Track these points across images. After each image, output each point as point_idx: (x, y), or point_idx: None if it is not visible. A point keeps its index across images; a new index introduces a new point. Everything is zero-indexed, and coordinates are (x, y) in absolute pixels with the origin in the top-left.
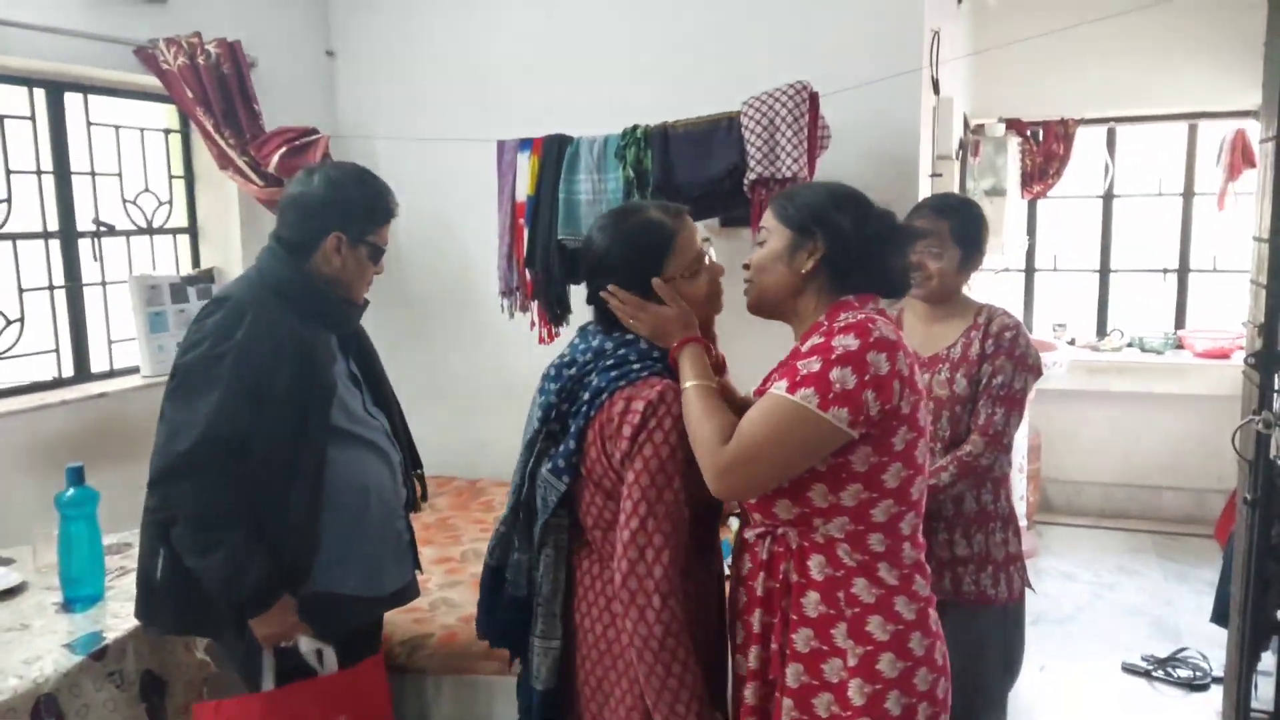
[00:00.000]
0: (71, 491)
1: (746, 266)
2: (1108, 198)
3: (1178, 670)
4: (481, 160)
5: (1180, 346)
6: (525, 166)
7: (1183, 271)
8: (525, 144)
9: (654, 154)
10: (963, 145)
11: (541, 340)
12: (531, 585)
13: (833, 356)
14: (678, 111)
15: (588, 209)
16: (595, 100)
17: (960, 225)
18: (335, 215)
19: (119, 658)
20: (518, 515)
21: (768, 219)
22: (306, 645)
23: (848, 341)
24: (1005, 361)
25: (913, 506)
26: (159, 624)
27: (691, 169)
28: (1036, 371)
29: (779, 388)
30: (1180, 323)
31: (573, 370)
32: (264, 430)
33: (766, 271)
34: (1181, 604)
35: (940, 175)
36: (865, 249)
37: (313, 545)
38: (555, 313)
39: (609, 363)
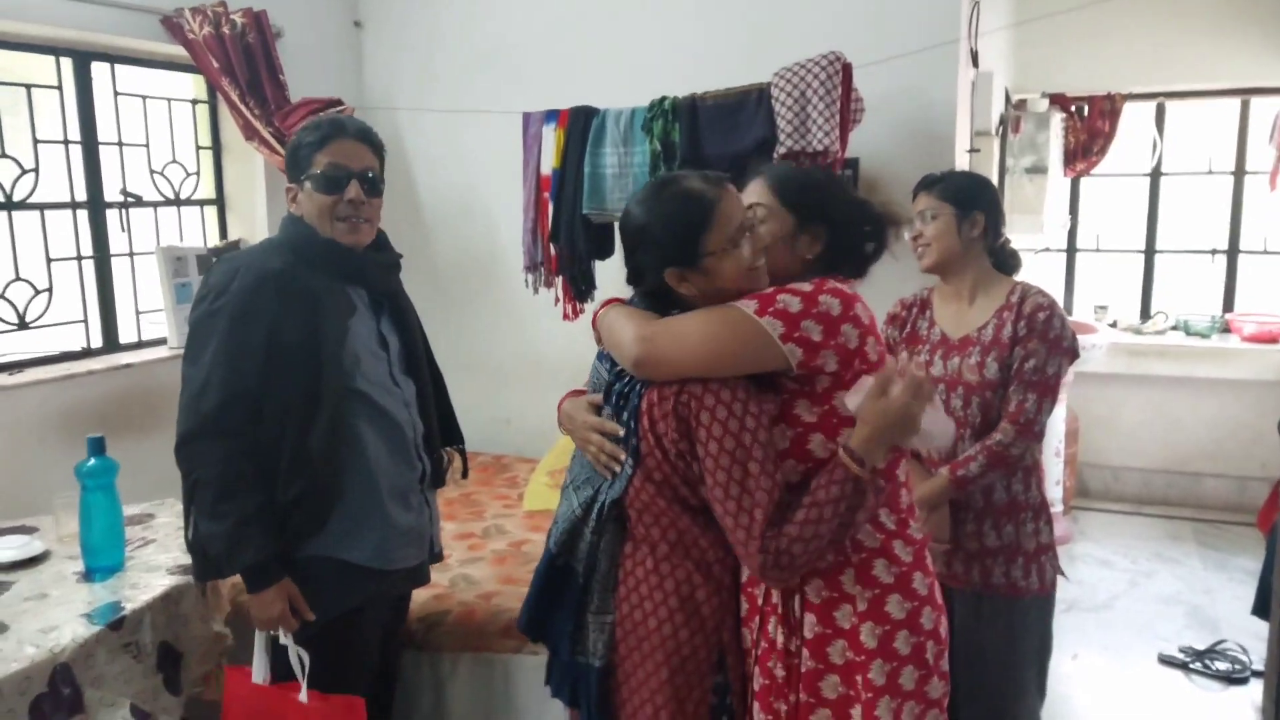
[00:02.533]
0: (92, 461)
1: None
2: (1155, 175)
3: (1216, 663)
4: (506, 133)
5: (1227, 330)
6: (550, 139)
7: (1232, 253)
8: (551, 116)
9: (681, 126)
10: (1003, 121)
11: (565, 316)
12: (594, 564)
13: (785, 289)
14: (706, 83)
15: (614, 183)
16: (622, 72)
17: (948, 186)
18: (287, 170)
19: (135, 629)
20: (598, 496)
21: (764, 203)
22: (292, 650)
23: (800, 286)
24: (1038, 345)
25: (903, 452)
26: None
27: (720, 141)
28: (1072, 355)
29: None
30: (1229, 305)
31: None
32: (276, 380)
33: (768, 254)
34: (1221, 594)
35: (978, 151)
36: (862, 234)
37: (325, 503)
38: (580, 288)
39: None
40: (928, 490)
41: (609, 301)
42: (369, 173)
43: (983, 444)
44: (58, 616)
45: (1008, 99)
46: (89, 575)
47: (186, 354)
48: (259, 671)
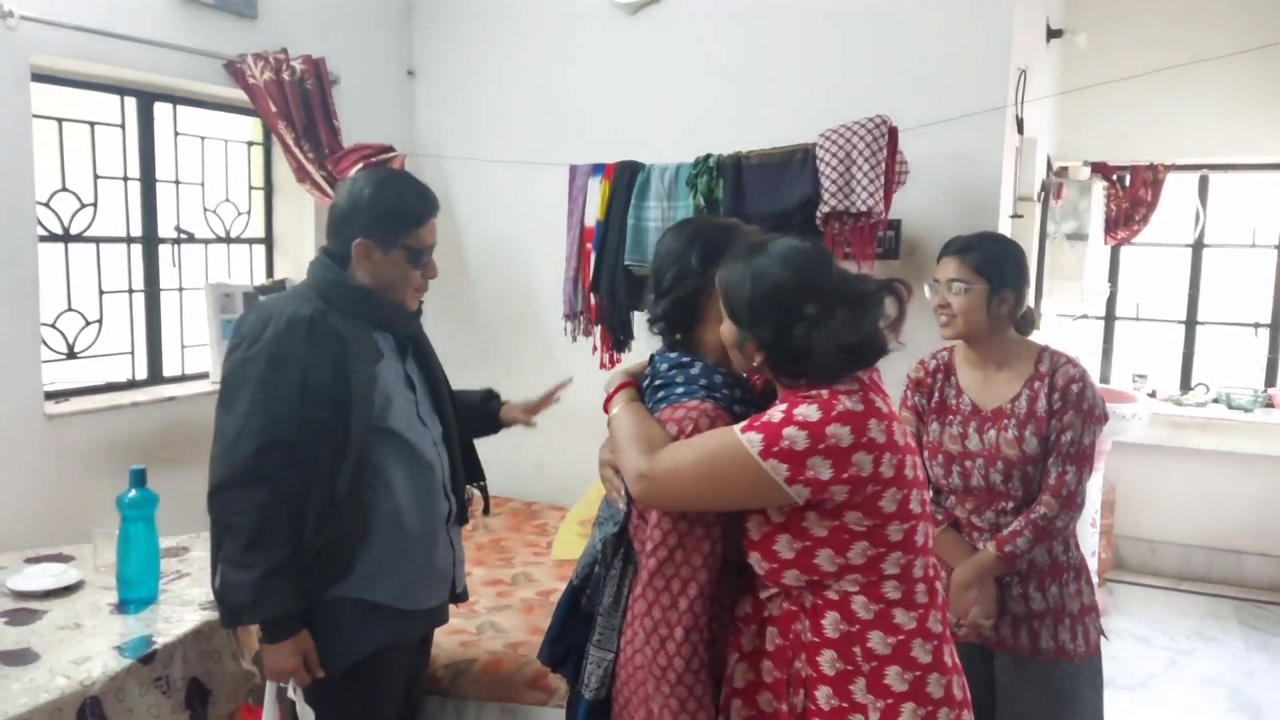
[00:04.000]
0: (133, 493)
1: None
2: (1197, 246)
3: None
4: (551, 184)
5: (1270, 405)
6: (596, 191)
7: (1275, 327)
8: (598, 169)
9: (725, 183)
10: (1045, 188)
11: (602, 365)
12: (600, 600)
13: (792, 419)
14: (752, 142)
15: (656, 235)
16: (668, 128)
17: (982, 257)
18: (358, 222)
19: (166, 663)
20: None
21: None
22: (301, 707)
23: (808, 412)
24: (1074, 417)
25: (920, 552)
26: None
27: (763, 200)
28: (1103, 421)
29: (738, 426)
30: (1271, 380)
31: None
32: (308, 426)
33: (727, 344)
34: (1264, 676)
35: (1021, 217)
36: (800, 351)
37: (353, 546)
38: (618, 338)
39: (658, 383)
40: (974, 569)
41: (622, 386)
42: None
43: (1027, 518)
44: (90, 648)
45: (1049, 166)
46: (123, 607)
47: (220, 402)
48: (269, 717)
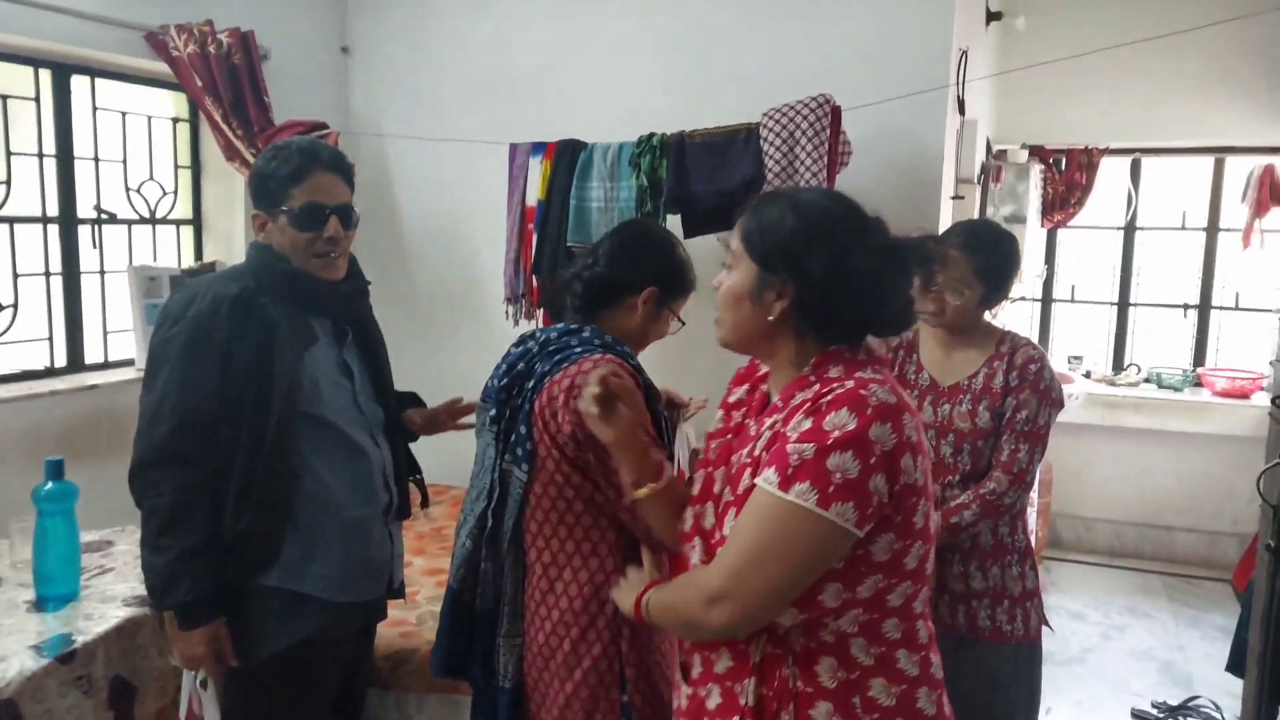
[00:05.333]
0: (50, 485)
1: (717, 288)
2: (1130, 229)
3: (1189, 719)
4: (492, 163)
5: (1199, 384)
6: (537, 171)
7: (1204, 308)
8: (538, 148)
9: (669, 163)
10: (984, 170)
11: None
12: (499, 595)
13: (829, 441)
14: (695, 121)
15: (599, 216)
16: (610, 107)
17: (986, 262)
18: (252, 195)
19: (87, 662)
20: (485, 523)
21: (735, 242)
22: (210, 694)
23: (842, 419)
24: (1030, 395)
25: (924, 581)
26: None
27: (706, 179)
28: (1059, 405)
29: (768, 481)
30: (1200, 360)
31: (520, 365)
32: (228, 408)
33: (733, 309)
34: (1193, 650)
35: (962, 198)
36: (845, 293)
37: (276, 533)
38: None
39: (551, 348)
40: None
41: (652, 585)
42: (346, 206)
43: (976, 492)
44: (6, 648)
45: (989, 148)
46: (41, 604)
47: (144, 381)
48: (184, 709)
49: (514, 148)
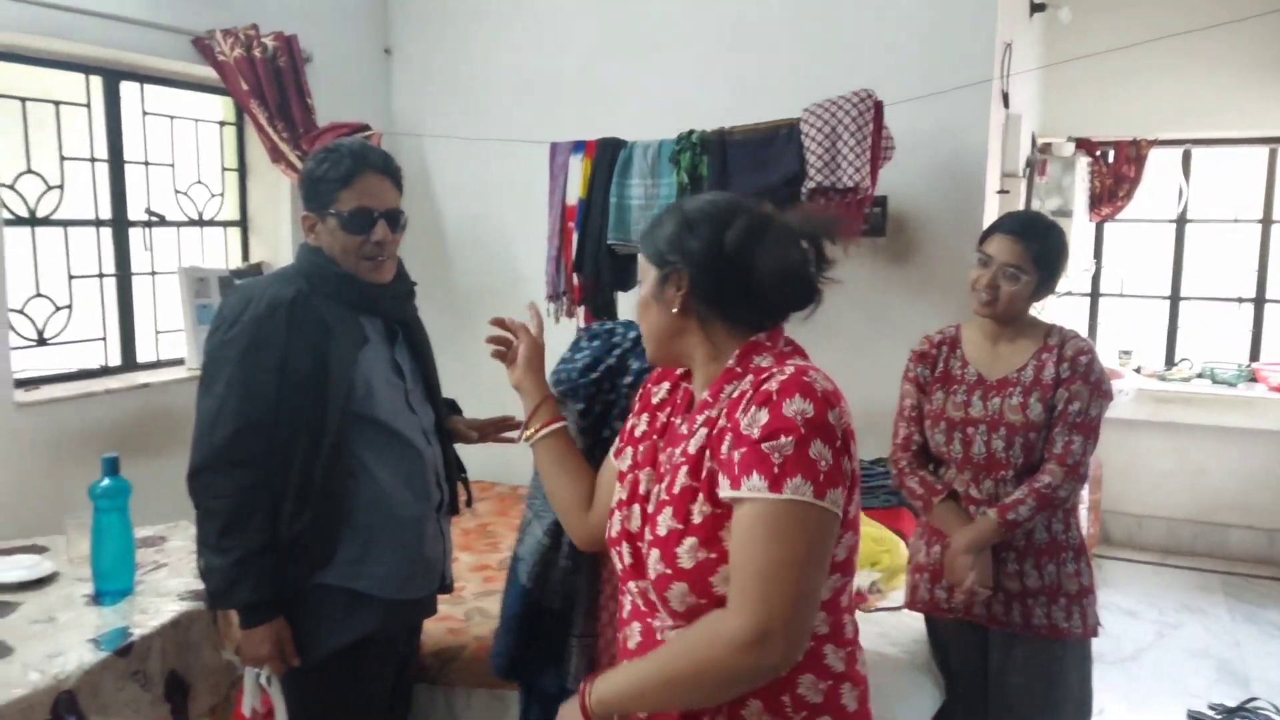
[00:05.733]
0: (106, 482)
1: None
2: (1181, 222)
3: None
4: (532, 163)
5: (1254, 379)
6: (577, 169)
7: (1259, 301)
8: (579, 146)
9: (710, 160)
10: (1030, 164)
11: None
12: (572, 594)
13: (803, 430)
14: (735, 118)
15: (639, 213)
16: (651, 104)
17: (1042, 249)
18: (303, 197)
19: (144, 656)
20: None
21: (640, 258)
22: (275, 691)
23: (802, 407)
24: (1082, 387)
25: (851, 574)
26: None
27: (747, 176)
28: (1109, 397)
29: (755, 489)
30: (1255, 354)
31: (611, 360)
32: (285, 410)
33: (644, 316)
34: (1250, 648)
35: (1007, 193)
36: (729, 267)
37: (332, 533)
38: (602, 319)
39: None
40: (974, 534)
41: (594, 678)
42: (394, 210)
43: (1030, 486)
44: (65, 641)
45: (1034, 142)
46: (98, 599)
47: (201, 385)
48: (248, 704)
49: (554, 146)
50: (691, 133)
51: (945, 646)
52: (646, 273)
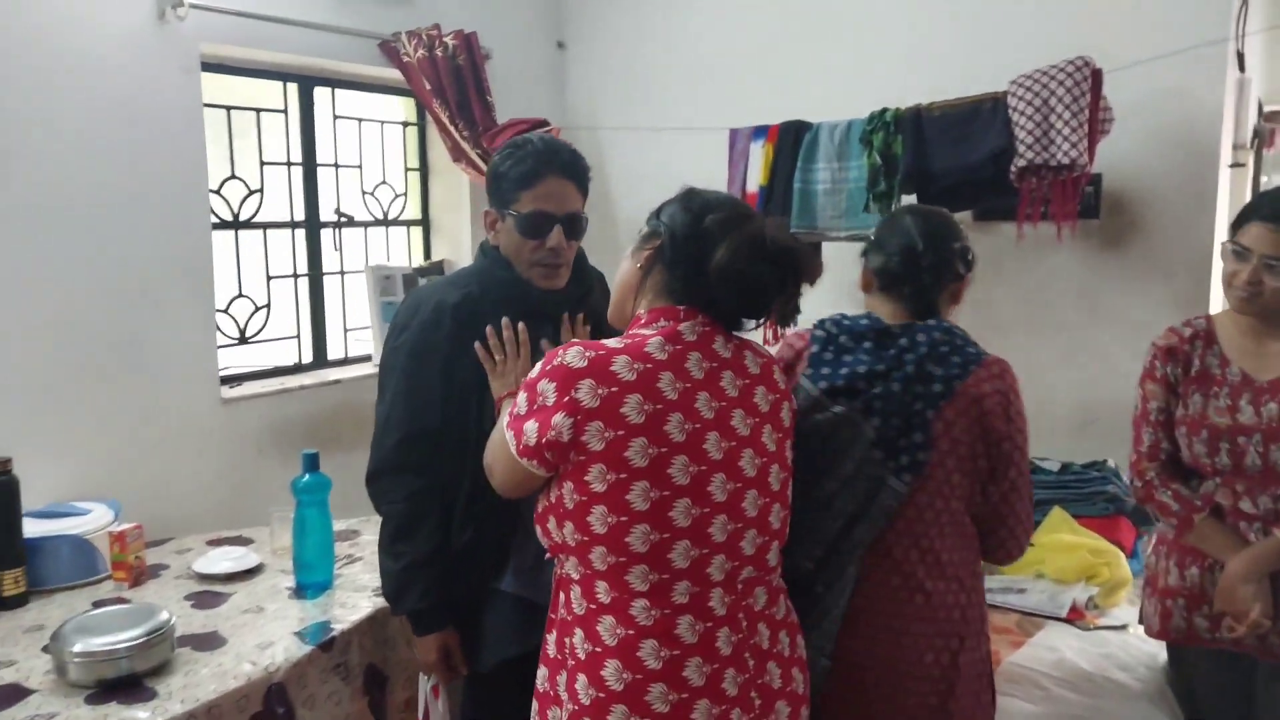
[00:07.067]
0: (307, 477)
1: None
2: None
3: None
4: (711, 151)
5: None
6: (758, 155)
7: None
8: (759, 131)
9: (905, 139)
10: (1257, 134)
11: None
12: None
13: (528, 377)
14: (932, 94)
15: (825, 199)
16: (837, 83)
17: None
18: (488, 192)
19: (345, 650)
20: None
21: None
22: (439, 702)
23: (536, 366)
24: None
25: (641, 560)
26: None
27: (947, 154)
28: None
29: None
30: None
31: (910, 368)
32: (453, 416)
33: (620, 270)
34: None
35: (1243, 165)
36: (696, 242)
37: (505, 541)
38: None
39: (944, 350)
40: (1258, 558)
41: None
42: (574, 216)
43: None
44: (272, 632)
45: (1260, 110)
46: (300, 591)
47: (378, 391)
48: (421, 710)
49: (734, 133)
50: (884, 111)
51: (1193, 679)
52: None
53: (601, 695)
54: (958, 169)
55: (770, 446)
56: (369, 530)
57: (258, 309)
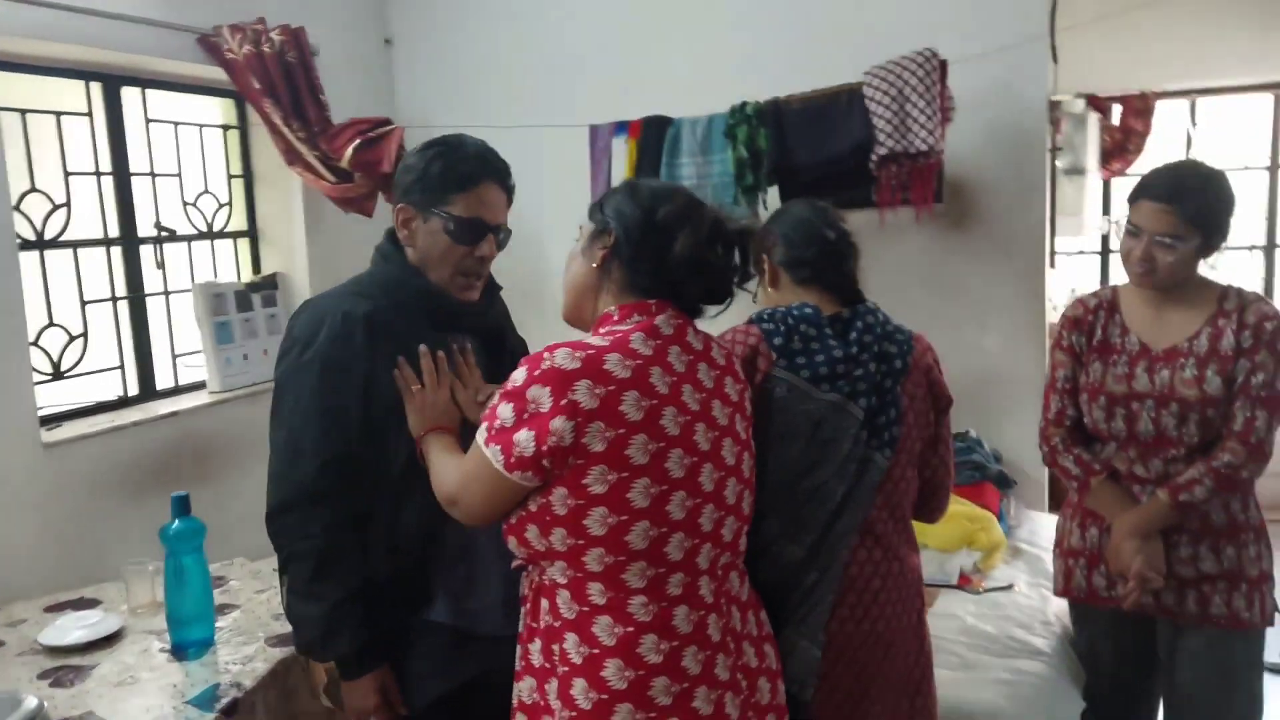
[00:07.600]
0: (177, 523)
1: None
2: None
3: None
4: (564, 147)
5: None
6: (621, 152)
7: (1270, 248)
8: (621, 128)
9: (767, 131)
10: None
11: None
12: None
13: (506, 388)
14: (783, 87)
15: None
16: (689, 77)
17: (1199, 208)
18: (400, 185)
19: (250, 711)
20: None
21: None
22: None
23: (517, 375)
24: (1267, 357)
25: (640, 557)
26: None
27: (811, 147)
28: None
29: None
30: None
31: (877, 347)
32: (373, 439)
33: (568, 269)
34: None
35: (1061, 150)
36: (652, 235)
37: (431, 567)
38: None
39: (890, 329)
40: (1142, 517)
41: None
42: (503, 227)
43: (1207, 465)
44: (158, 704)
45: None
46: (180, 652)
47: (274, 414)
48: None
49: (594, 129)
50: (745, 104)
51: (1095, 638)
52: (584, 232)
53: (604, 696)
54: (823, 161)
55: (742, 435)
56: (235, 574)
57: (73, 338)
